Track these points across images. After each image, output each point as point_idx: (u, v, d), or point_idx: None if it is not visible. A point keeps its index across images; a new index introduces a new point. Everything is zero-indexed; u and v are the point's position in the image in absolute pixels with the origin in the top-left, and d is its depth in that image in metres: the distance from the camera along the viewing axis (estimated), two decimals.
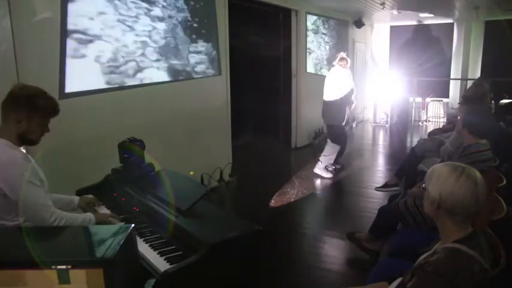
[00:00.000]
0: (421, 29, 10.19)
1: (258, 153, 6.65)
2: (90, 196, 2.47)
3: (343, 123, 5.52)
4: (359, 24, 9.20)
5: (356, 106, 9.63)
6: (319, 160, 5.54)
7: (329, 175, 5.42)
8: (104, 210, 2.42)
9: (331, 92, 5.34)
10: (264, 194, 4.82)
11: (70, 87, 3.25)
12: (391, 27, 10.69)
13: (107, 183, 2.63)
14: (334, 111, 5.33)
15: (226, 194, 4.98)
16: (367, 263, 3.05)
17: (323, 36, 8.12)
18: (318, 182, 5.38)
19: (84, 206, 2.36)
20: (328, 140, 5.50)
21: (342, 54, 5.42)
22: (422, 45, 10.00)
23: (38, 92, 1.89)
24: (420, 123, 9.81)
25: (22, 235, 1.21)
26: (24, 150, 1.94)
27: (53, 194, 2.11)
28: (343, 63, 5.29)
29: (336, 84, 5.29)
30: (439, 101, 9.91)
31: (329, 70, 5.79)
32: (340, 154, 5.63)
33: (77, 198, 2.38)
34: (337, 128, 5.43)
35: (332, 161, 5.48)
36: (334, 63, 5.40)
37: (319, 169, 5.49)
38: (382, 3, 7.22)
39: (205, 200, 2.15)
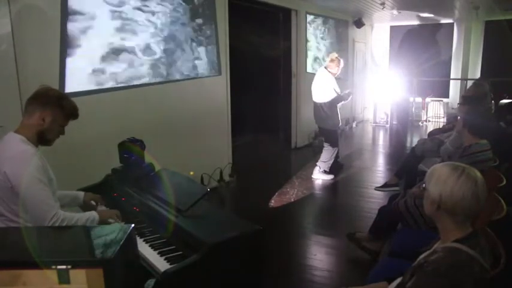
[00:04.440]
0: (421, 29, 10.19)
1: (258, 153, 6.66)
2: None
3: (339, 126, 5.45)
4: (359, 24, 9.20)
5: (356, 106, 9.73)
6: (316, 165, 5.50)
7: (329, 177, 5.40)
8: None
9: (317, 95, 5.27)
10: (264, 194, 4.82)
11: (70, 87, 3.25)
12: (391, 27, 10.70)
13: (107, 183, 2.64)
14: (324, 114, 5.23)
15: (226, 194, 4.98)
16: (367, 263, 3.06)
17: (323, 36, 8.12)
18: (318, 182, 5.38)
19: (88, 203, 2.38)
20: (325, 145, 5.42)
21: (334, 54, 5.32)
22: (422, 45, 10.01)
23: (64, 94, 2.05)
24: (420, 123, 9.81)
25: (22, 235, 1.21)
26: (38, 149, 1.96)
27: (58, 191, 2.12)
28: (333, 65, 5.15)
29: (321, 89, 5.20)
30: (439, 101, 9.91)
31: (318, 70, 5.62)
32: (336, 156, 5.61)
33: (82, 194, 2.39)
34: (332, 132, 5.37)
35: (330, 165, 5.43)
36: (326, 63, 5.30)
37: (317, 174, 5.46)
38: (382, 3, 7.22)
39: (205, 200, 2.14)
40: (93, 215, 2.08)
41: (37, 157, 1.88)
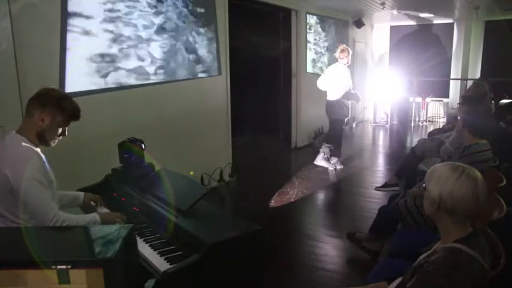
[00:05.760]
0: (421, 29, 10.19)
1: (258, 153, 6.65)
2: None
3: (347, 119, 5.57)
4: (359, 24, 9.20)
5: (356, 106, 9.72)
6: (320, 151, 5.59)
7: (331, 167, 5.46)
8: (104, 210, 2.42)
9: (331, 89, 5.40)
10: (264, 194, 4.82)
11: (70, 87, 3.25)
12: (391, 27, 10.70)
13: (107, 183, 2.63)
14: (334, 106, 5.42)
15: (226, 194, 4.97)
16: (367, 263, 3.06)
17: (323, 36, 8.12)
18: (318, 182, 5.38)
19: (87, 204, 2.38)
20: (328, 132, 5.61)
21: (342, 45, 5.52)
22: (422, 45, 10.00)
23: (65, 95, 2.02)
24: (420, 123, 9.81)
25: (22, 235, 1.21)
26: (39, 150, 1.95)
27: (58, 191, 2.12)
28: (344, 55, 5.37)
29: (335, 81, 5.34)
30: (439, 101, 9.91)
31: (329, 65, 5.90)
32: (338, 150, 5.67)
33: (82, 195, 2.39)
34: (337, 123, 5.46)
35: (330, 151, 5.55)
36: (336, 55, 5.49)
37: (320, 160, 5.53)
38: (382, 3, 7.22)
39: (205, 200, 2.14)
40: (95, 217, 2.07)
41: (38, 158, 1.87)
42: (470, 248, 1.39)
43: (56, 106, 1.91)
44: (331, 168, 5.46)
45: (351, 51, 5.47)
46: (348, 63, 5.43)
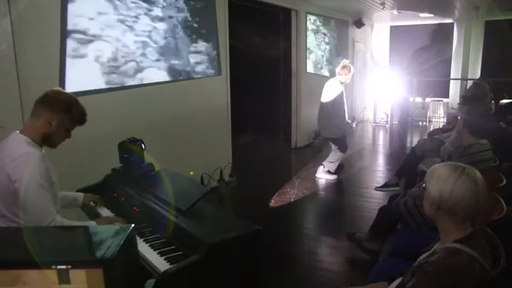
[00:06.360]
0: (421, 29, 10.19)
1: (258, 153, 6.66)
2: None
3: (343, 133, 5.48)
4: (359, 24, 9.20)
5: (356, 106, 9.73)
6: (321, 165, 5.51)
7: (332, 177, 5.42)
8: (104, 210, 2.42)
9: (326, 103, 5.26)
10: (264, 194, 4.82)
11: (70, 87, 3.25)
12: (391, 27, 10.70)
13: (107, 183, 2.64)
14: (333, 125, 5.23)
15: (226, 194, 4.98)
16: (367, 263, 3.06)
17: (323, 36, 8.12)
18: (318, 182, 5.38)
19: (87, 205, 2.38)
20: (334, 147, 5.43)
21: (345, 61, 5.30)
22: (422, 45, 10.01)
23: (74, 99, 2.00)
24: (420, 123, 9.81)
25: (22, 235, 1.21)
26: (43, 151, 1.95)
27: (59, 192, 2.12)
28: (343, 72, 5.15)
29: (329, 96, 5.23)
30: (439, 101, 9.92)
31: (330, 77, 5.74)
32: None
33: (81, 195, 2.40)
34: (338, 139, 5.39)
35: (335, 167, 5.45)
36: (337, 70, 5.28)
37: (321, 173, 5.48)
38: (382, 3, 7.22)
39: (205, 200, 2.14)
40: (92, 224, 2.06)
41: (40, 160, 1.86)
42: (470, 248, 1.38)
43: (65, 111, 1.91)
44: (331, 178, 5.41)
45: (352, 70, 5.20)
46: (345, 81, 5.17)
